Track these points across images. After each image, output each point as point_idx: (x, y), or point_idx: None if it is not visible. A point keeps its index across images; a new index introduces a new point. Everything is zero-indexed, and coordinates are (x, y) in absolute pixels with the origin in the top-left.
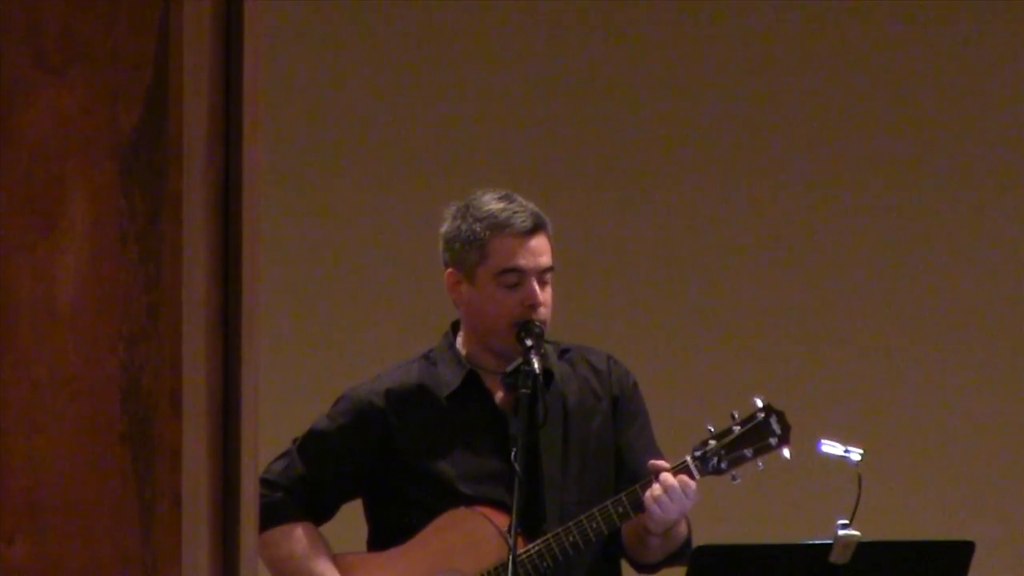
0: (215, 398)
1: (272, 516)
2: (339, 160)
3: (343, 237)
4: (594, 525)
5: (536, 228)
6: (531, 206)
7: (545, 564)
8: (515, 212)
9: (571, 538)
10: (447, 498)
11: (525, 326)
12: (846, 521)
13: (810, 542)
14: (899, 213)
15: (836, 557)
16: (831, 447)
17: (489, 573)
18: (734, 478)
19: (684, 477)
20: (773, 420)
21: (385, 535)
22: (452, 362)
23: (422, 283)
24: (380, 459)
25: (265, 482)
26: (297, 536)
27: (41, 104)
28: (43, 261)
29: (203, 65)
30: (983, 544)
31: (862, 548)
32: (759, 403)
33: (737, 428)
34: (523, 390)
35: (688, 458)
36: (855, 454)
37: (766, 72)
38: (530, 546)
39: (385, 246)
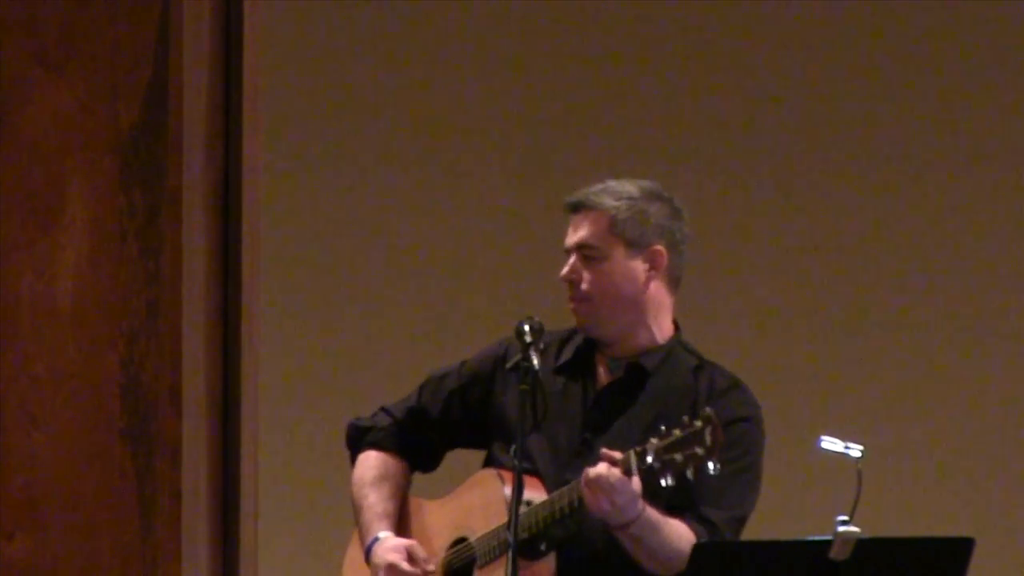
0: (215, 394)
1: (366, 437)
2: (339, 158)
3: (343, 235)
4: (560, 502)
5: (576, 206)
6: (603, 186)
7: (524, 532)
8: (576, 192)
9: (544, 512)
10: (525, 465)
11: (521, 322)
12: (846, 518)
13: (809, 539)
14: (902, 210)
15: (836, 554)
16: (831, 443)
17: (486, 535)
18: (689, 475)
19: (616, 470)
20: (708, 431)
21: None
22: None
23: (423, 282)
24: (486, 409)
25: (384, 409)
26: (374, 463)
27: (41, 101)
28: (43, 258)
29: (203, 62)
30: (983, 540)
31: (862, 545)
32: (706, 412)
33: (677, 432)
34: (521, 387)
35: (631, 452)
36: (855, 451)
37: (794, 67)
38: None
39: (386, 244)
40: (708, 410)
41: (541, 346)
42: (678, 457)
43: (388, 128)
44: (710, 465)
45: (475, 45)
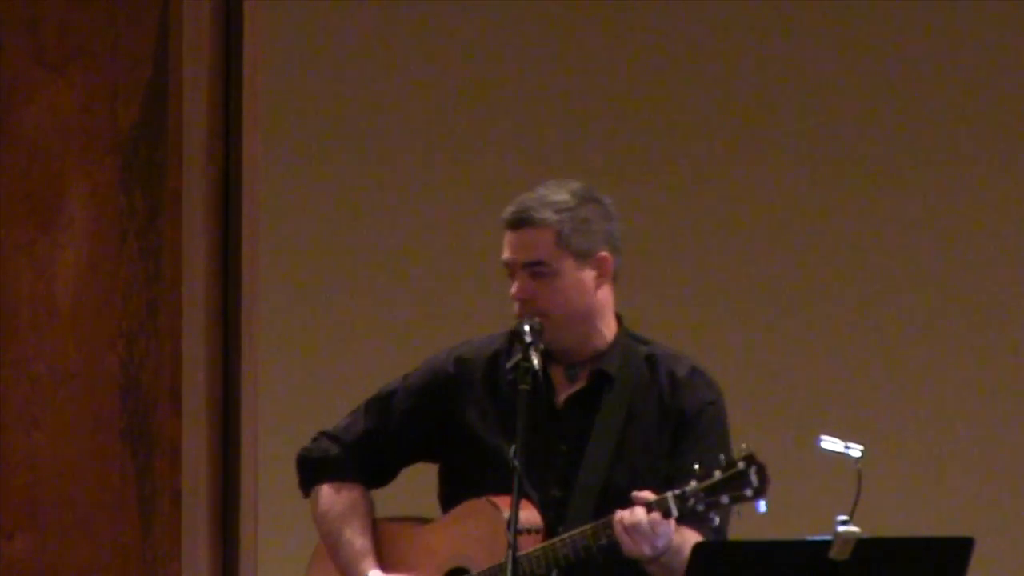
0: (215, 395)
1: (324, 470)
2: (339, 157)
3: (344, 234)
4: (584, 542)
5: (518, 222)
6: (537, 198)
7: (541, 569)
8: (513, 204)
9: (565, 551)
10: (498, 477)
11: (521, 322)
12: (846, 517)
13: (809, 539)
14: (903, 210)
15: (836, 554)
16: (831, 443)
17: (490, 569)
18: (739, 513)
19: (656, 515)
20: (753, 472)
21: (448, 504)
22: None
23: (423, 282)
24: (445, 426)
25: (327, 435)
26: (339, 496)
27: (41, 101)
28: (43, 258)
29: (203, 62)
30: (983, 540)
31: (861, 545)
32: (745, 450)
33: (718, 474)
34: (521, 387)
35: (669, 495)
36: (855, 450)
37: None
38: (532, 549)
39: (386, 244)
40: (747, 447)
41: (541, 346)
42: (724, 499)
43: (388, 128)
44: (762, 505)
45: (475, 44)
